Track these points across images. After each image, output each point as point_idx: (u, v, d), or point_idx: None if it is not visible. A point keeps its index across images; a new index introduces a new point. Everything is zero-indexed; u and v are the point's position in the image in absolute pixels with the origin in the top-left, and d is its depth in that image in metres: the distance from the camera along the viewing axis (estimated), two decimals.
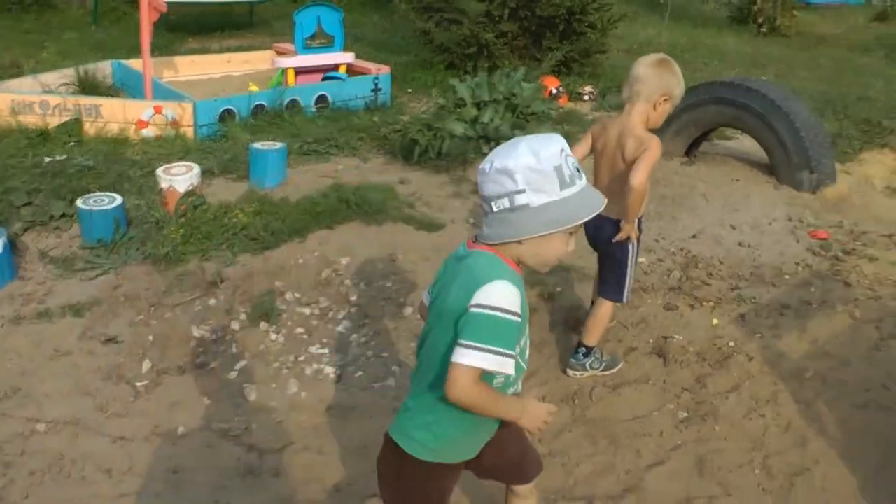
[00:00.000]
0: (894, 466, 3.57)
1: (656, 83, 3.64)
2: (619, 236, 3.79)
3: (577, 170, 2.15)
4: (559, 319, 4.54)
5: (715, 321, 4.55)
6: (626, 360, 4.21)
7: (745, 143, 7.17)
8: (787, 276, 5.14)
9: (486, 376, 2.11)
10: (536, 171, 2.07)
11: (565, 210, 2.11)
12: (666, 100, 3.67)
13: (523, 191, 2.08)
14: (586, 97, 8.68)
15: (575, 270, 4.94)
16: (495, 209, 2.12)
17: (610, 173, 3.81)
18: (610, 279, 3.98)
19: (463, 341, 2.04)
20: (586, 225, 4.12)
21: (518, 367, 2.22)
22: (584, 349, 4.10)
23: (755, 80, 6.92)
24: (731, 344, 4.36)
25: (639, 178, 3.57)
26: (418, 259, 4.92)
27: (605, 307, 4.04)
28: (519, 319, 2.10)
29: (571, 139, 6.76)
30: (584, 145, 3.91)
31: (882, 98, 9.39)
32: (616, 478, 3.47)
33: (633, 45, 12.07)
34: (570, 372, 4.11)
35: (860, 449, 3.66)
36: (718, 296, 4.80)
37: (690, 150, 6.87)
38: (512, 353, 2.08)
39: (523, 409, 2.27)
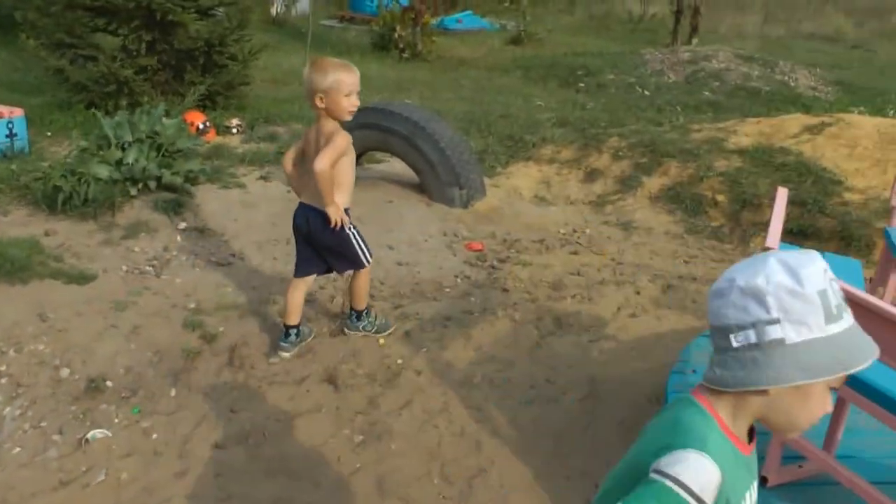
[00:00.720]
0: (563, 453, 3.85)
1: (308, 87, 4.08)
2: (333, 222, 4.19)
3: (844, 300, 1.57)
4: (224, 360, 4.44)
5: (381, 341, 4.66)
6: (294, 393, 4.21)
7: (396, 166, 7.39)
8: (447, 289, 5.37)
9: None
10: (796, 296, 1.52)
11: (834, 352, 1.53)
12: (321, 97, 4.04)
13: (777, 321, 1.53)
14: (234, 130, 8.58)
15: (237, 308, 4.88)
16: (734, 343, 1.57)
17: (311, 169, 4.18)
18: (346, 259, 4.46)
19: None
20: (295, 220, 4.36)
21: None
22: (355, 314, 4.68)
23: (398, 104, 7.16)
24: (400, 361, 4.48)
25: (319, 164, 4.01)
26: (71, 315, 4.64)
27: (359, 275, 4.57)
28: None
29: (223, 174, 6.81)
30: (295, 151, 4.43)
31: (522, 115, 10.04)
32: None
33: (278, 75, 12.11)
34: (347, 332, 4.69)
35: (531, 443, 3.91)
36: (383, 316, 4.92)
37: None
38: None
39: None
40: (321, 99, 4.04)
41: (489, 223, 6.55)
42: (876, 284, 4.74)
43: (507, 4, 20.43)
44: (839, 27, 24.28)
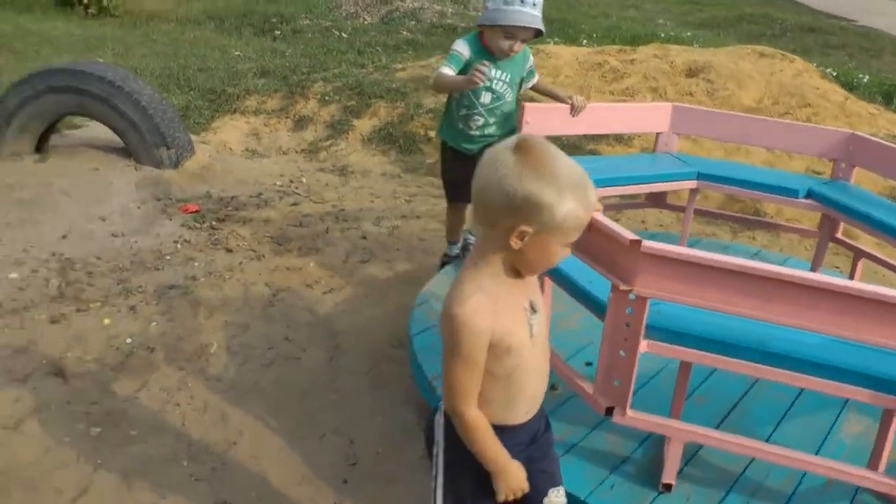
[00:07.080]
0: (312, 411, 3.80)
1: None
2: None
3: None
4: None
5: (106, 321, 4.40)
6: (19, 394, 3.86)
7: (97, 129, 6.93)
8: (168, 257, 5.15)
9: None
10: None
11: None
12: None
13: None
14: None
15: None
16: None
17: None
18: None
19: None
20: None
21: None
22: None
23: (90, 63, 6.71)
24: (129, 340, 4.25)
25: None
26: None
27: None
28: None
29: None
30: None
31: (221, 67, 9.75)
32: None
33: None
34: None
35: (278, 406, 3.83)
36: (105, 293, 4.65)
37: (41, 146, 6.47)
38: None
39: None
40: None
41: (202, 182, 6.32)
42: None
43: None
44: None
